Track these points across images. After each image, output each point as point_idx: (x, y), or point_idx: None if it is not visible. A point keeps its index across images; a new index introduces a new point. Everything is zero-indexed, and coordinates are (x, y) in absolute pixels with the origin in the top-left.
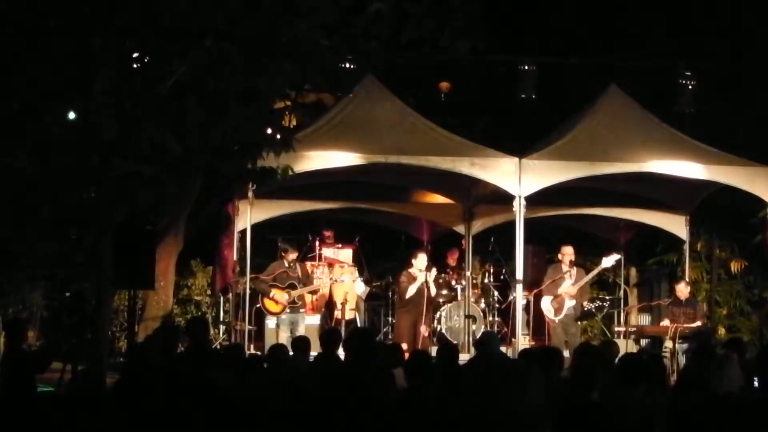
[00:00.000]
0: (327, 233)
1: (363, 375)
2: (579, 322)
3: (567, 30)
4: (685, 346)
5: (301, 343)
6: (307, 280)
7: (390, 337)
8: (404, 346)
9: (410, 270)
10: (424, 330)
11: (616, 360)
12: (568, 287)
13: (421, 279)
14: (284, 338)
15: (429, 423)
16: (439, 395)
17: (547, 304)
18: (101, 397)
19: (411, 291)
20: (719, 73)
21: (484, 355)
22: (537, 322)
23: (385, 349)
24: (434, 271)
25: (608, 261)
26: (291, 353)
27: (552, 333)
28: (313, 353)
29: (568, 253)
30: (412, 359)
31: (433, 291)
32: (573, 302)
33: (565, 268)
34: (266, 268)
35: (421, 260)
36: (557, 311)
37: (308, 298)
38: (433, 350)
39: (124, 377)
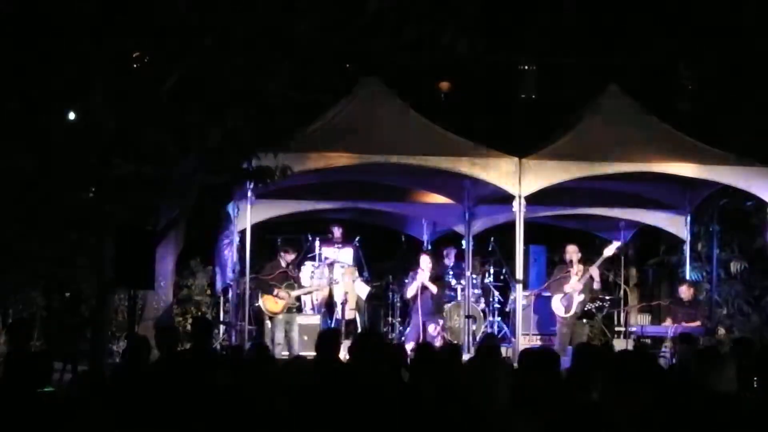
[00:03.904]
0: (336, 231)
1: (367, 378)
2: (584, 320)
3: (567, 30)
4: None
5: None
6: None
7: (390, 337)
8: (411, 345)
9: (417, 272)
10: (432, 330)
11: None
12: (575, 283)
13: (419, 279)
14: (280, 338)
15: (427, 420)
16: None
17: (557, 303)
18: (101, 397)
19: (410, 292)
20: (719, 73)
21: (484, 356)
22: (544, 322)
23: (390, 350)
24: (428, 271)
25: (609, 250)
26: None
27: (557, 331)
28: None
29: (572, 251)
30: (415, 355)
31: (434, 290)
32: (582, 297)
33: (571, 267)
34: (264, 269)
35: (422, 261)
36: (567, 308)
37: (307, 298)
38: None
39: (123, 377)
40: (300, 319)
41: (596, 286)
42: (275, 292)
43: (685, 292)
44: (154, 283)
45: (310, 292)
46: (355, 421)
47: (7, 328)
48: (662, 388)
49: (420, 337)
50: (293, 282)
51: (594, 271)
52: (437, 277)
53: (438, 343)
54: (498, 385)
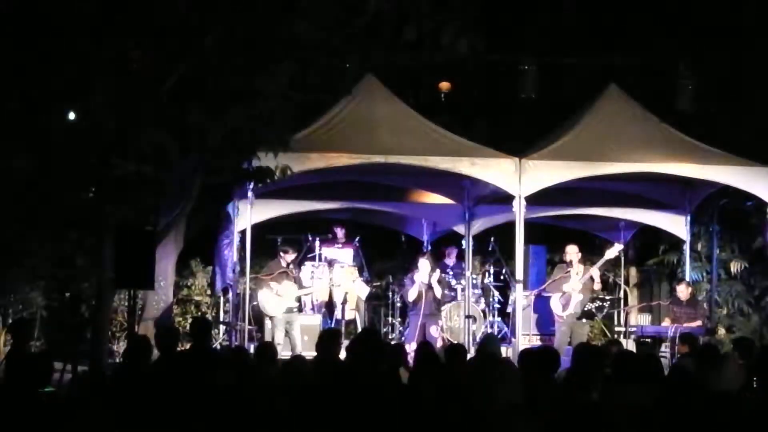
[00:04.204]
0: (339, 231)
1: (367, 378)
2: (584, 320)
3: (567, 30)
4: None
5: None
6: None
7: (390, 337)
8: (412, 346)
9: (414, 274)
10: (434, 331)
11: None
12: (574, 283)
13: (418, 281)
14: (280, 338)
15: (427, 420)
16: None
17: (555, 302)
18: (101, 397)
19: (412, 294)
20: (719, 73)
21: (483, 356)
22: (544, 322)
23: (389, 349)
24: (437, 272)
25: (611, 252)
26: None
27: (557, 330)
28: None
29: (572, 252)
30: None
31: (438, 292)
32: (581, 297)
33: (570, 267)
34: (265, 268)
35: (421, 265)
36: (565, 307)
37: (307, 298)
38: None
39: (123, 377)
40: (300, 319)
41: (596, 287)
42: (275, 290)
43: (682, 291)
44: (154, 283)
45: (309, 294)
46: (355, 421)
47: (7, 328)
48: (662, 388)
49: (420, 337)
50: (293, 282)
51: (594, 272)
52: (438, 279)
53: (439, 344)
54: (498, 385)
